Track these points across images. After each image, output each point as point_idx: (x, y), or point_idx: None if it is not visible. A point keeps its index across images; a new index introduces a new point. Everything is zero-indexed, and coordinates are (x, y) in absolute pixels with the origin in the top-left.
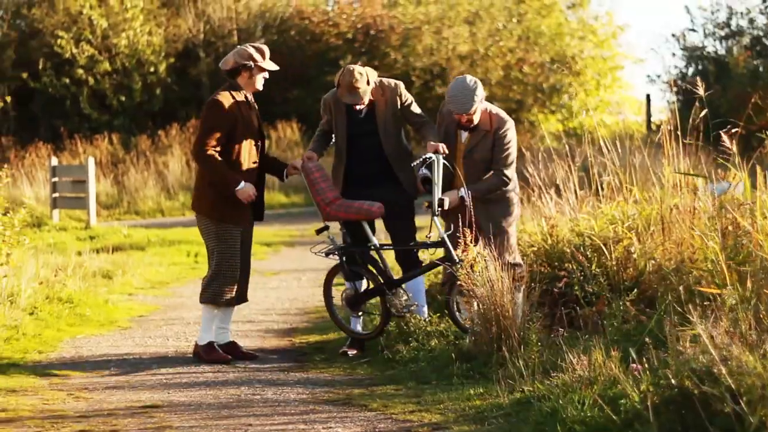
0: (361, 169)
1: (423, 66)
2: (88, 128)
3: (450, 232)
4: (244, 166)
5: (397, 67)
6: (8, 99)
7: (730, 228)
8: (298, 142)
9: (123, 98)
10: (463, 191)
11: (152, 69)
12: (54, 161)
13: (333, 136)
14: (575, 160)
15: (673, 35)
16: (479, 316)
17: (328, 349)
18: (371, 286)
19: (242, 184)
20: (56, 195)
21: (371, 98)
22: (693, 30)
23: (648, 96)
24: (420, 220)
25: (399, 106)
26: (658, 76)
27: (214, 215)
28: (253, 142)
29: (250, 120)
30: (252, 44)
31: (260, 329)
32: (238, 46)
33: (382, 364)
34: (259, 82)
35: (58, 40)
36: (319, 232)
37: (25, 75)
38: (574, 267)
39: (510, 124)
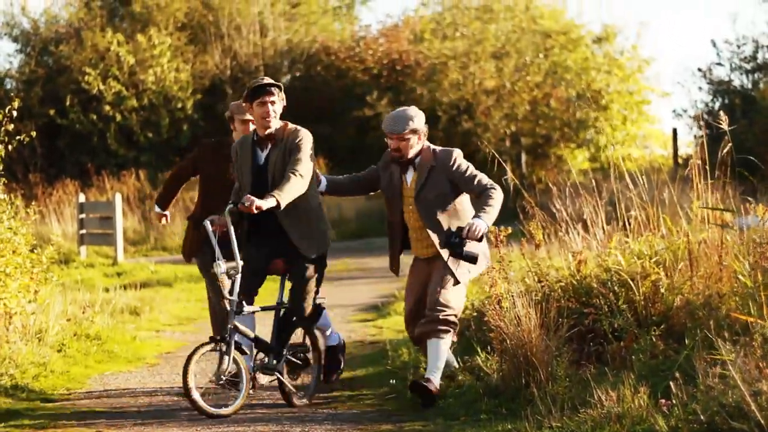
0: (258, 232)
1: (449, 101)
2: (114, 164)
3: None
4: (205, 207)
5: (423, 102)
6: (34, 134)
7: (759, 262)
8: None
9: (150, 134)
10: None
11: (179, 105)
12: (81, 198)
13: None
14: (602, 194)
15: (699, 69)
16: (507, 351)
17: (355, 385)
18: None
19: (156, 207)
20: (83, 231)
21: (273, 134)
22: (719, 64)
23: (675, 130)
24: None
25: (289, 155)
26: (685, 111)
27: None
28: (218, 190)
29: (219, 168)
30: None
31: None
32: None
33: (410, 400)
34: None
35: (86, 77)
36: None
37: (52, 111)
38: (602, 302)
39: (457, 152)
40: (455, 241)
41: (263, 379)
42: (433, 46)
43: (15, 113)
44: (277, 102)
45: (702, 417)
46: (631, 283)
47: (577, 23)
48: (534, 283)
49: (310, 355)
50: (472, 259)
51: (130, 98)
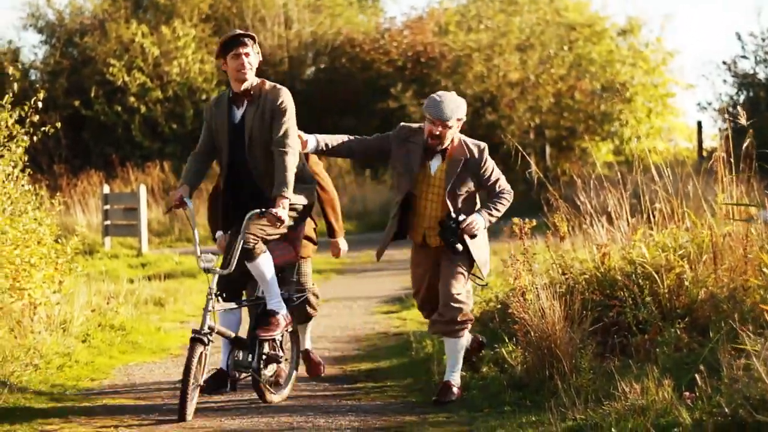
0: (236, 196)
1: (473, 93)
2: (139, 156)
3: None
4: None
5: None
6: (59, 125)
7: None
8: (348, 171)
9: (174, 126)
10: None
11: (204, 96)
12: (106, 189)
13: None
14: (626, 187)
15: (724, 62)
16: (531, 344)
17: (379, 377)
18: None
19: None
20: (108, 222)
21: (249, 90)
22: (744, 57)
23: (699, 123)
24: None
25: (270, 118)
26: (709, 104)
27: None
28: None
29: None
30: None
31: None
32: None
33: (433, 392)
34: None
35: (110, 68)
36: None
37: (77, 103)
38: (626, 295)
39: (486, 149)
40: (451, 226)
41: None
42: (457, 39)
43: (40, 105)
44: (252, 54)
45: (726, 410)
46: (655, 275)
47: (601, 15)
48: (558, 276)
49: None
50: (456, 250)
51: (155, 90)
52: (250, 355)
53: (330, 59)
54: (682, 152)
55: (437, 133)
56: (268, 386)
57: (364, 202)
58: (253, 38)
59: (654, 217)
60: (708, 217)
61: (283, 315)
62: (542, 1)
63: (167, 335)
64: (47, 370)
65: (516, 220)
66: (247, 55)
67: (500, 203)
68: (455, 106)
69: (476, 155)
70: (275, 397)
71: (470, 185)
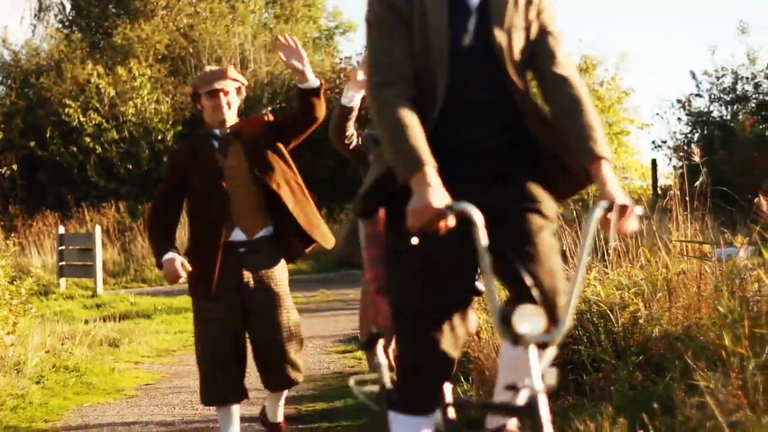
0: (468, 136)
1: None
2: (95, 196)
3: None
4: (201, 227)
5: None
6: (15, 167)
7: (737, 292)
8: None
9: (130, 166)
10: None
11: (159, 137)
12: (61, 229)
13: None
14: (582, 225)
15: (678, 101)
16: (486, 383)
17: (335, 417)
18: None
19: (168, 254)
20: (63, 263)
21: None
22: (698, 95)
23: (654, 161)
24: None
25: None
26: (664, 142)
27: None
28: (214, 193)
29: (209, 165)
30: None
31: (266, 396)
32: None
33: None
34: (211, 113)
35: (66, 109)
36: (366, 346)
37: (32, 143)
38: (581, 333)
39: None
40: None
41: None
42: None
43: None
44: None
45: None
46: (609, 313)
47: None
48: None
49: None
50: None
51: (110, 130)
52: None
53: (286, 99)
54: (637, 190)
55: None
56: None
57: None
58: None
59: (609, 255)
60: (663, 255)
61: None
62: None
63: (122, 376)
64: (0, 412)
65: None
66: None
67: None
68: None
69: None
70: None
71: None
